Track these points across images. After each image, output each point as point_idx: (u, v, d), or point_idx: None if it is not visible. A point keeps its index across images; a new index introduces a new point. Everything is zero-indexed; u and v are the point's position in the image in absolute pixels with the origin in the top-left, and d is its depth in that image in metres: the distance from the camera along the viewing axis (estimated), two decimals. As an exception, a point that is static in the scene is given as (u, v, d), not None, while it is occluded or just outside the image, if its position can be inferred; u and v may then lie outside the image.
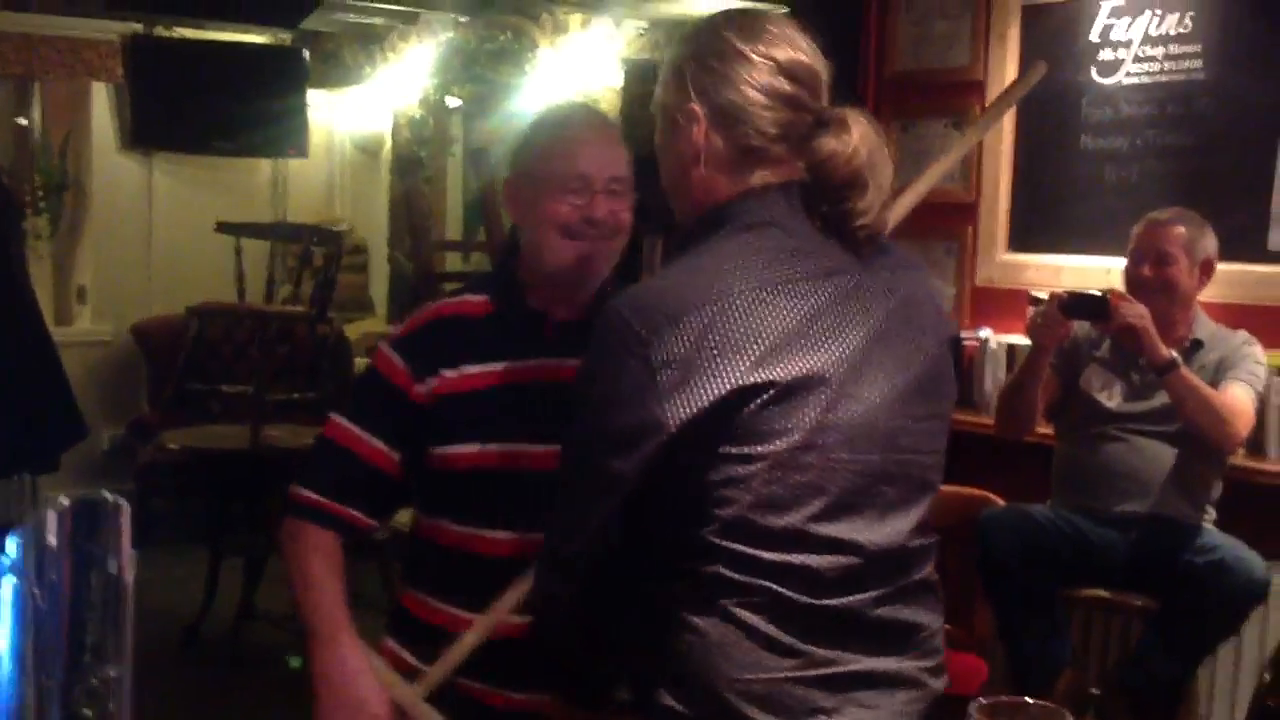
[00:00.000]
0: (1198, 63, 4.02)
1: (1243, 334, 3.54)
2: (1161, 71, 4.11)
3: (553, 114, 2.14)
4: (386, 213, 6.98)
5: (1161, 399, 3.44)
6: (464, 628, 1.95)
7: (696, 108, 1.56)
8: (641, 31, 5.55)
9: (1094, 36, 4.26)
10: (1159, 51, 4.11)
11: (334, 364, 6.29)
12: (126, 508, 0.66)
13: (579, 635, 1.72)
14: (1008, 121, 4.47)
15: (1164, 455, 3.46)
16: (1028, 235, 4.48)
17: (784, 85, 1.53)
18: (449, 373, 2.03)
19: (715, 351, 1.42)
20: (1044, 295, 4.01)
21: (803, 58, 1.55)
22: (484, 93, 6.36)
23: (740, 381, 1.43)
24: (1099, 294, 3.44)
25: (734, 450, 1.45)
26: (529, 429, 1.98)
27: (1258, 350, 3.49)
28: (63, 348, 4.84)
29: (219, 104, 6.61)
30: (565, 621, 1.68)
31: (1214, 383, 3.40)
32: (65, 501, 0.66)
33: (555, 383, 1.98)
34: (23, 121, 7.21)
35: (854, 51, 4.87)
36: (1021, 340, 4.27)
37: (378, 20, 6.53)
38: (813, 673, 1.50)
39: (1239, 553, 3.29)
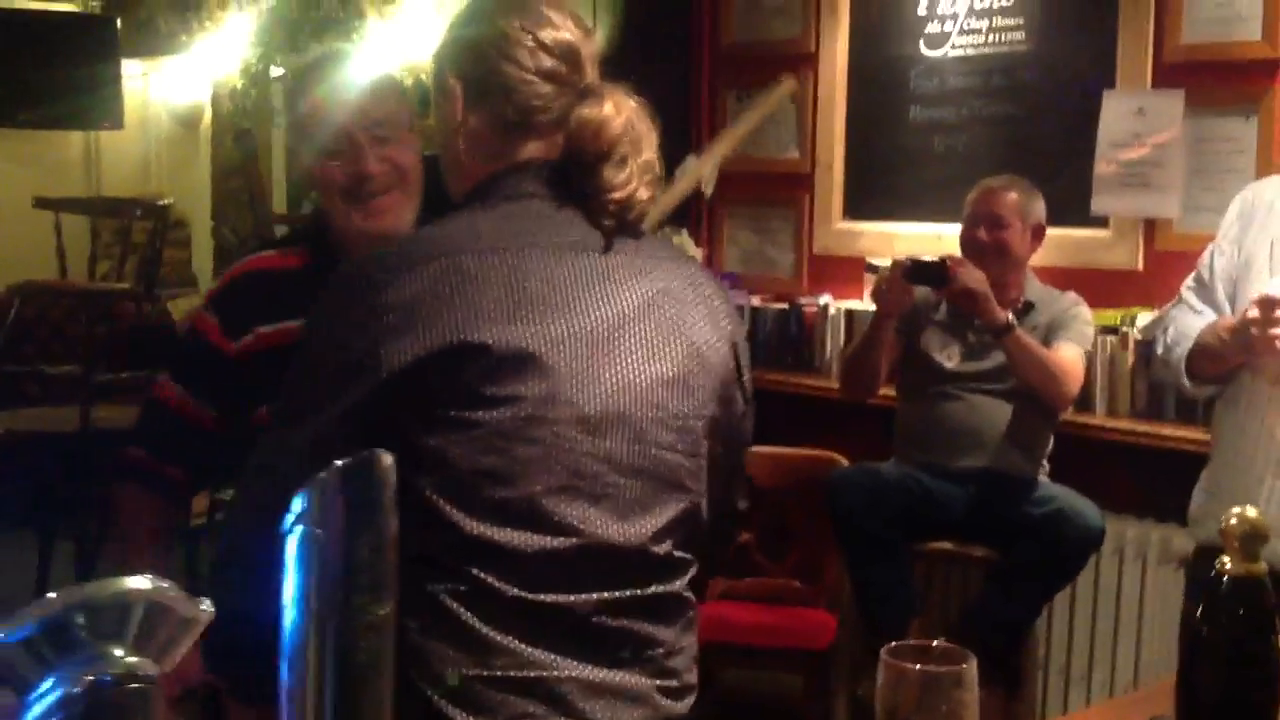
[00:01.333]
0: (1020, 34, 4.19)
1: (1071, 295, 3.73)
2: (987, 44, 4.27)
3: (303, 70, 2.06)
4: (208, 186, 6.80)
5: (996, 359, 3.61)
6: None
7: (454, 83, 1.53)
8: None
9: (921, 10, 4.40)
10: (983, 24, 4.27)
11: (157, 341, 6.12)
12: (391, 464, 0.73)
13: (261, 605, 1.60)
14: (840, 94, 4.60)
15: (999, 412, 3.63)
16: (862, 204, 4.61)
17: (542, 60, 1.50)
18: (264, 329, 1.97)
19: (440, 303, 1.39)
20: (881, 262, 4.16)
21: (564, 34, 1.52)
22: (310, 63, 6.23)
23: (461, 337, 1.38)
24: (939, 260, 3.58)
25: (452, 413, 1.39)
26: None
27: (1085, 310, 3.69)
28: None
29: (27, 75, 6.34)
30: (247, 586, 1.59)
31: (1045, 343, 3.58)
32: (341, 462, 0.73)
33: None
34: None
35: (685, 23, 4.94)
36: (859, 306, 4.42)
37: (195, -13, 6.35)
38: (518, 674, 1.41)
39: (1075, 503, 3.48)
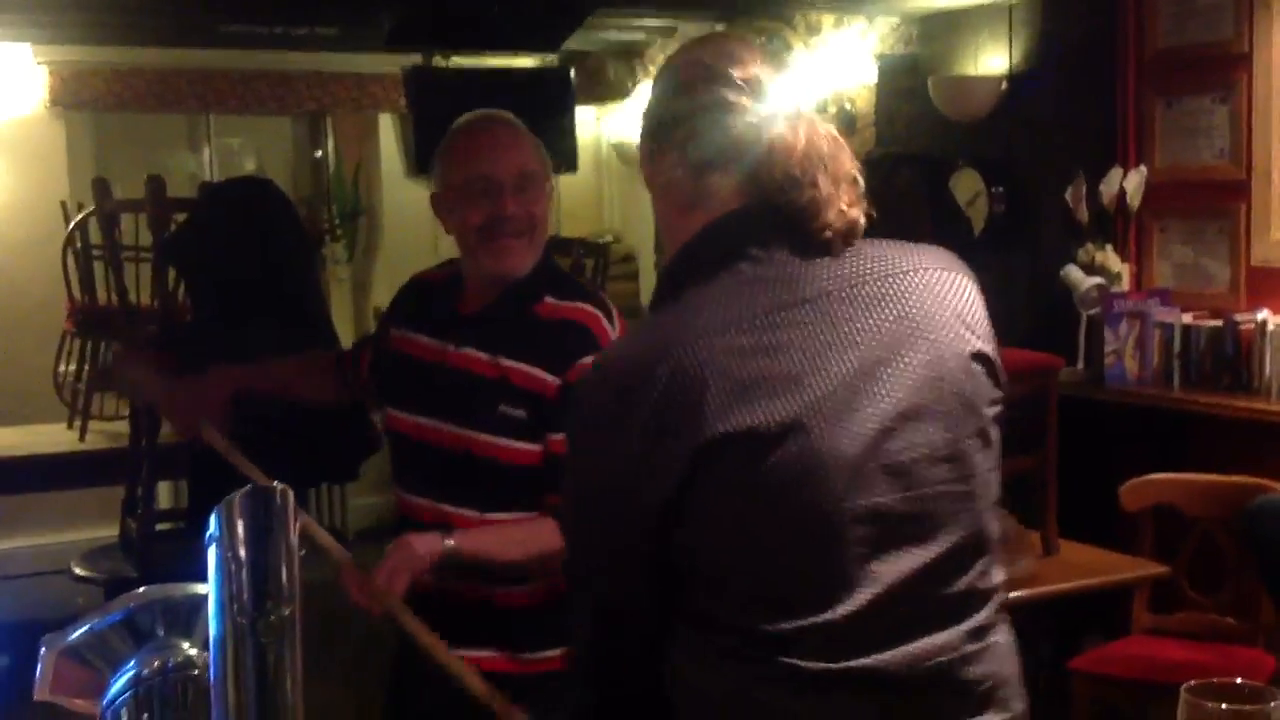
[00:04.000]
0: None
1: None
2: None
3: (457, 124, 2.22)
4: (652, 220, 7.19)
5: None
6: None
7: (646, 140, 1.55)
8: (894, 27, 5.56)
9: (1369, -2, 4.05)
10: None
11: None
12: (290, 494, 0.89)
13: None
14: (1278, 95, 4.29)
15: None
16: (1305, 211, 4.28)
17: (724, 94, 1.47)
18: (395, 331, 2.27)
19: (681, 407, 1.35)
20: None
21: (752, 69, 1.48)
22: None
23: (709, 434, 1.34)
24: None
25: (723, 512, 1.38)
26: (426, 404, 2.16)
27: None
28: (361, 366, 5.21)
29: (494, 126, 6.92)
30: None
31: None
32: (246, 490, 0.89)
33: (439, 365, 2.15)
34: (318, 154, 7.76)
35: (1109, 29, 4.77)
36: (1302, 321, 4.11)
37: (637, 35, 6.75)
38: None
39: None
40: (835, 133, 1.50)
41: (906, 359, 1.42)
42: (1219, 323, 4.32)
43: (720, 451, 1.35)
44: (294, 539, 0.84)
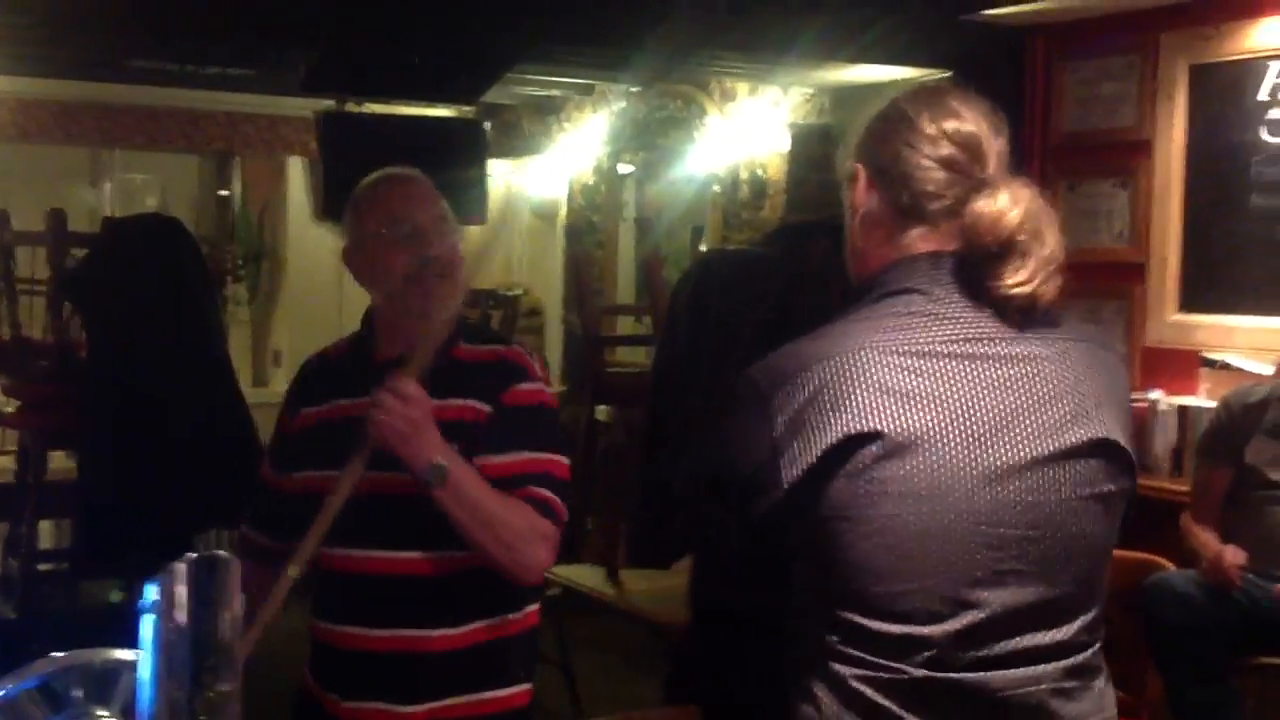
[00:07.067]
0: (1373, 119, 3.94)
1: None
2: (1334, 129, 4.03)
3: (370, 180, 2.25)
4: (560, 276, 7.20)
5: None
6: (340, 643, 2.12)
7: (857, 168, 1.59)
8: (807, 97, 5.65)
9: (1263, 95, 4.19)
10: (1331, 108, 4.04)
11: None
12: (236, 563, 0.85)
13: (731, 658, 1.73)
14: (1176, 182, 4.43)
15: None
16: (1198, 295, 4.41)
17: (941, 148, 1.53)
18: (306, 410, 2.24)
19: (828, 405, 1.44)
20: (1217, 358, 3.97)
21: (968, 126, 1.54)
22: (654, 159, 6.54)
23: (847, 431, 1.43)
24: None
25: (849, 510, 1.45)
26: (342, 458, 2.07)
27: None
28: (260, 408, 5.12)
29: (406, 175, 6.89)
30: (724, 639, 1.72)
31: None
32: (191, 556, 0.85)
33: (360, 419, 2.05)
34: (224, 194, 7.67)
35: (1017, 113, 4.88)
36: (1193, 402, 4.22)
37: (555, 92, 6.78)
38: None
39: None
40: (1048, 208, 1.52)
41: (1047, 414, 1.49)
42: (1113, 401, 4.41)
43: (857, 447, 1.43)
44: (239, 611, 0.82)
